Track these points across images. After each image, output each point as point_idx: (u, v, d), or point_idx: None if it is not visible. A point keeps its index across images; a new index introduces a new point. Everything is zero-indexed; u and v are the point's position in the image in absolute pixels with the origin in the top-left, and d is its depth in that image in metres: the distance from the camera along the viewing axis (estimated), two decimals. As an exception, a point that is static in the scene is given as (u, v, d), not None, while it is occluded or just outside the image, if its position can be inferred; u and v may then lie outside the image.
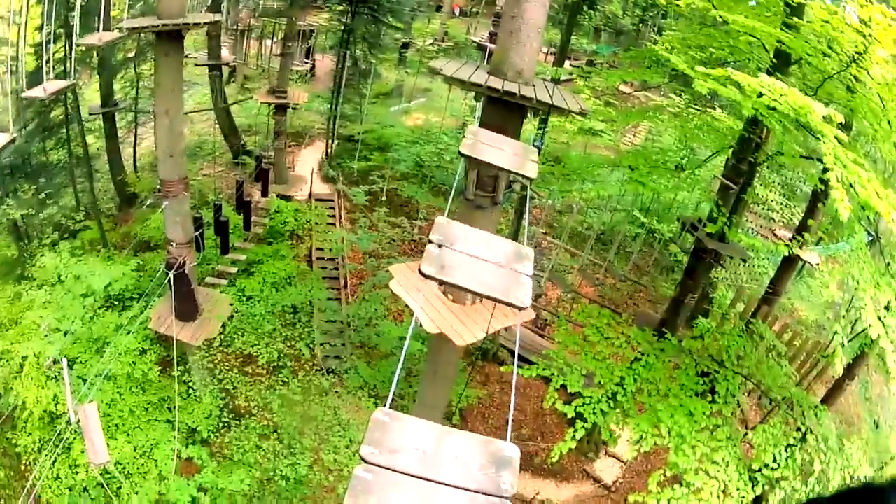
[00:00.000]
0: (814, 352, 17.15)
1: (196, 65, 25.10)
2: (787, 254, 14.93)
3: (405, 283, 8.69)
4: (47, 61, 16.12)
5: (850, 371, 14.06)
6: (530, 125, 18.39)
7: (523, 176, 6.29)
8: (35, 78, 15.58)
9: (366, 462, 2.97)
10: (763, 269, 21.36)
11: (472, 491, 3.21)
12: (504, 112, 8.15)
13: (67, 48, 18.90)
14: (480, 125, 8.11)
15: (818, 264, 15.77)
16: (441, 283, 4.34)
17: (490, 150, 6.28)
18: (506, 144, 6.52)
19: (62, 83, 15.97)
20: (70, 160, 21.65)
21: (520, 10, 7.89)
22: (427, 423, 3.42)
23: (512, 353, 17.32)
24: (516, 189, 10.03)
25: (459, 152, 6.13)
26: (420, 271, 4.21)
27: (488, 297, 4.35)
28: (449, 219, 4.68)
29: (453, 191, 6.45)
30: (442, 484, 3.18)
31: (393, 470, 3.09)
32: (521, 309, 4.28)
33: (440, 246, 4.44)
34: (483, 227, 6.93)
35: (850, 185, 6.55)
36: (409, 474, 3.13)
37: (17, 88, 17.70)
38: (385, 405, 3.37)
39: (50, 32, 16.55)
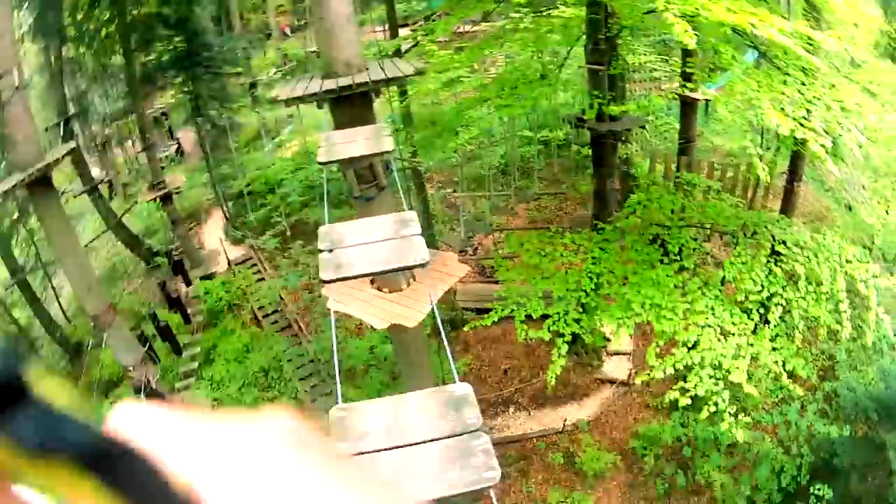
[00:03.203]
0: (750, 175, 17.62)
1: (74, 196, 24.47)
2: (680, 99, 15.25)
3: (341, 298, 8.90)
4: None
5: (794, 173, 14.43)
6: (396, 102, 18.53)
7: (383, 152, 6.55)
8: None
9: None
10: (668, 125, 21.88)
11: (442, 439, 3.51)
12: (349, 106, 8.34)
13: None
14: (336, 127, 8.33)
15: (716, 97, 16.18)
16: (344, 279, 4.60)
17: (345, 147, 6.52)
18: (358, 134, 6.78)
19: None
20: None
21: (324, 8, 8.13)
22: (379, 400, 3.71)
23: (474, 310, 17.69)
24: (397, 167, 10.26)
25: (318, 162, 6.37)
26: (321, 280, 4.47)
27: (391, 271, 4.63)
28: (329, 224, 4.94)
29: (325, 197, 6.69)
30: (414, 445, 3.48)
31: (365, 452, 3.38)
32: (423, 265, 4.58)
33: (331, 250, 4.69)
34: (380, 213, 7.18)
35: (696, 15, 6.77)
36: (381, 450, 3.42)
37: None
38: (337, 402, 3.65)
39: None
